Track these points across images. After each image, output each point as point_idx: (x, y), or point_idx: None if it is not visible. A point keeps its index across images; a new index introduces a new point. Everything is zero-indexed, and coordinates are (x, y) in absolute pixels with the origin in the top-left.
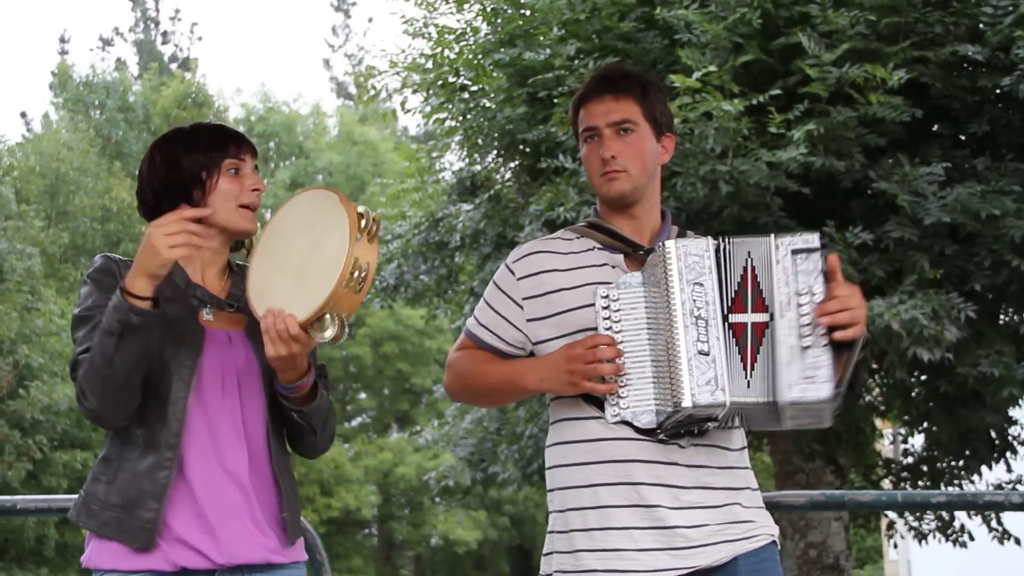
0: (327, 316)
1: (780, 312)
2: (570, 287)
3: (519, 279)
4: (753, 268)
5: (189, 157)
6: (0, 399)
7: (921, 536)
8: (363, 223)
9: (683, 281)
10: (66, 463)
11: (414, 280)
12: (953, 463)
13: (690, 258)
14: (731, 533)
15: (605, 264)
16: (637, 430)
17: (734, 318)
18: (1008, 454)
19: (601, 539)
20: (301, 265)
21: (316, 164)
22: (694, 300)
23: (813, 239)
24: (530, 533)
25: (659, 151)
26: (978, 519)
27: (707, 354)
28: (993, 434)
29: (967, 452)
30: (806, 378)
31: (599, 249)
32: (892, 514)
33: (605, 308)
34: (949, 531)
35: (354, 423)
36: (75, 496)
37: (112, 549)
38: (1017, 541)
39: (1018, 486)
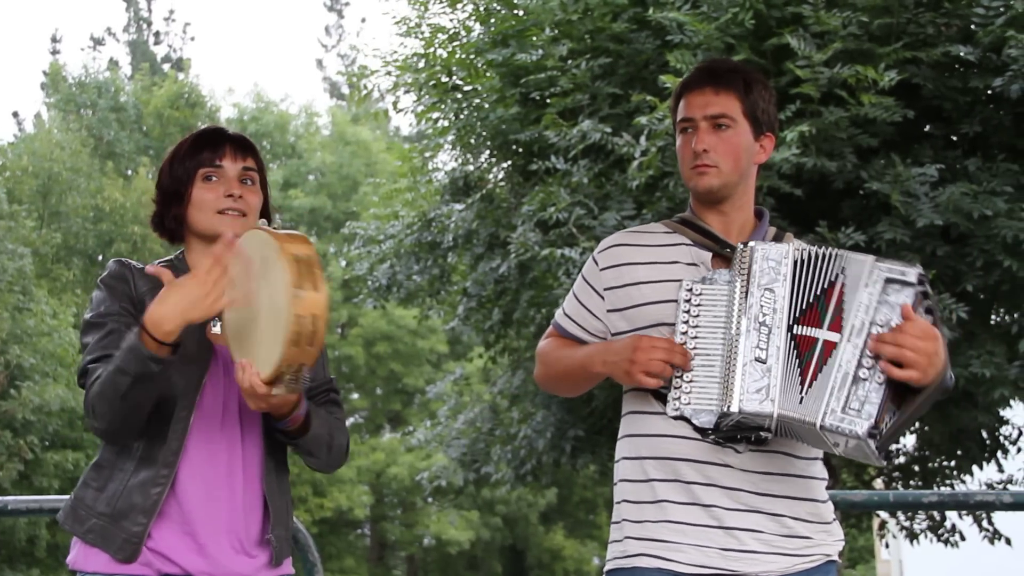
0: (286, 376)
1: (848, 336)
2: (649, 281)
3: (601, 269)
4: (843, 285)
5: (173, 169)
6: None
7: (913, 536)
8: (302, 272)
9: (755, 285)
10: (57, 463)
11: (406, 280)
12: (945, 463)
13: (767, 262)
14: (785, 547)
15: (691, 261)
16: (695, 428)
17: (801, 330)
18: (999, 454)
19: (653, 530)
20: (263, 317)
21: (309, 164)
22: (762, 306)
23: (911, 273)
24: (523, 533)
25: (756, 150)
26: (969, 519)
27: (763, 362)
28: (984, 434)
29: (959, 452)
30: (849, 408)
31: (688, 245)
32: (884, 514)
33: (687, 302)
34: (940, 531)
35: (347, 424)
36: (66, 497)
37: (96, 555)
38: (1008, 541)
39: (1009, 486)
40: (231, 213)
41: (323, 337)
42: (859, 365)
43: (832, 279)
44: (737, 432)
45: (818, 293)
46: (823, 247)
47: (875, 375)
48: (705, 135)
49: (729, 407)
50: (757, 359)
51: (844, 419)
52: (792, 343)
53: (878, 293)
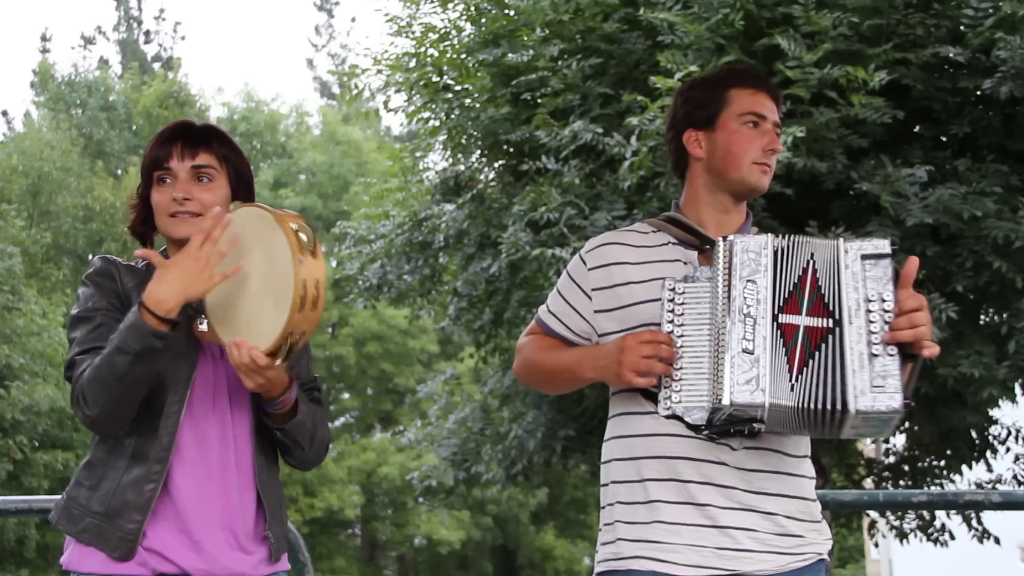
0: (287, 344)
1: (849, 318)
2: (638, 281)
3: (590, 269)
4: (815, 271)
5: (143, 170)
6: None
7: (902, 535)
8: (302, 240)
9: (736, 277)
10: (47, 464)
11: (397, 280)
12: (934, 462)
13: (747, 255)
14: (779, 545)
15: (677, 260)
16: (688, 426)
17: (785, 319)
18: (988, 454)
19: (646, 531)
20: (257, 291)
21: (299, 164)
22: (745, 297)
23: (883, 245)
24: (513, 533)
25: None
26: (958, 518)
27: (751, 353)
28: (974, 434)
29: (948, 452)
30: (875, 387)
31: (674, 244)
32: (874, 513)
33: (670, 301)
34: (930, 530)
35: (337, 423)
36: (56, 497)
37: (91, 554)
38: (996, 540)
39: (998, 486)
40: (182, 216)
41: (323, 303)
42: (869, 343)
43: (804, 266)
44: (730, 426)
45: (796, 280)
46: (794, 235)
47: (887, 348)
48: (774, 137)
49: (720, 400)
50: (745, 350)
51: (877, 398)
52: (778, 332)
53: (860, 271)
